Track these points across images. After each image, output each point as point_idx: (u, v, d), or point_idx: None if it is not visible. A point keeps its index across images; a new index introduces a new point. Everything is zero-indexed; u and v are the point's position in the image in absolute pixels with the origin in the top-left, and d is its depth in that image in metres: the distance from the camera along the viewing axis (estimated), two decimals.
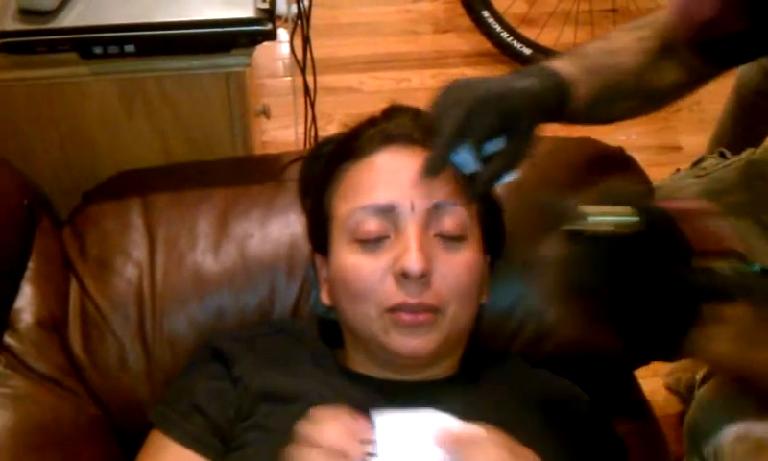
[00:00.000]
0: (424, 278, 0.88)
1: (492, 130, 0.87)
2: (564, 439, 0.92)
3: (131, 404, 1.09)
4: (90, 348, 1.09)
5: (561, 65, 1.01)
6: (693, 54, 1.09)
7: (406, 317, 0.88)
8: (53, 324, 1.09)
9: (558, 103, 0.98)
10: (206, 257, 1.13)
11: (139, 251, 1.13)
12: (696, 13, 1.08)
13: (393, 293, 0.89)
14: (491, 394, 0.96)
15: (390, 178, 0.93)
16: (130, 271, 1.12)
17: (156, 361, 1.10)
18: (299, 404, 0.92)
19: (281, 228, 1.15)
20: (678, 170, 1.46)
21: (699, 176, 1.36)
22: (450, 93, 0.90)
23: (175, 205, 1.17)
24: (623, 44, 1.10)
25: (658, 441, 1.14)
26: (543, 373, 1.04)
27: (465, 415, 0.89)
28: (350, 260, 0.93)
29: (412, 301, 0.88)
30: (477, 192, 0.90)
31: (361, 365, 0.98)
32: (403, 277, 0.88)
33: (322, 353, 1.02)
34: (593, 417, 1.00)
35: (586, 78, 1.03)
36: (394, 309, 0.89)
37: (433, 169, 0.87)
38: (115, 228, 1.15)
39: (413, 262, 0.87)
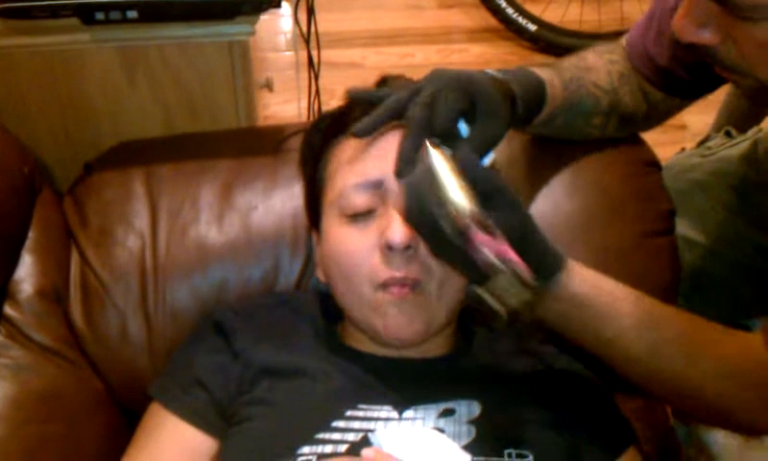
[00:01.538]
0: (409, 250, 0.87)
1: (457, 107, 0.85)
2: (566, 416, 0.92)
3: (131, 377, 1.09)
4: (91, 319, 1.08)
5: (538, 70, 1.01)
6: (654, 88, 1.10)
7: (395, 290, 0.88)
8: (54, 294, 1.08)
9: (535, 98, 0.98)
10: (210, 229, 1.12)
11: (141, 221, 1.12)
12: (648, 63, 1.10)
13: (380, 268, 0.88)
14: (490, 372, 0.96)
15: (379, 153, 0.92)
16: (132, 241, 1.11)
17: (157, 333, 1.09)
18: (300, 380, 0.92)
19: (285, 200, 1.14)
20: (683, 149, 1.45)
21: (704, 155, 1.36)
22: (424, 80, 0.89)
23: (178, 175, 1.16)
24: (596, 64, 1.11)
25: (662, 420, 1.14)
26: (547, 349, 1.03)
27: (463, 394, 0.89)
28: (340, 235, 0.92)
29: (398, 274, 0.87)
30: None
31: (359, 341, 0.97)
32: (388, 249, 0.87)
33: (323, 329, 1.01)
34: (597, 394, 0.99)
35: (563, 86, 1.04)
36: (383, 286, 0.88)
37: (407, 161, 0.85)
38: (117, 198, 1.14)
39: (396, 234, 0.86)
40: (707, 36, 0.83)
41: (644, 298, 0.88)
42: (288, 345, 0.97)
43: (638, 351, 0.86)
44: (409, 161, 0.84)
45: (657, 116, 1.16)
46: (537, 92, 0.99)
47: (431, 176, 0.78)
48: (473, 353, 0.99)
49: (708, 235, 1.30)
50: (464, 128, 0.88)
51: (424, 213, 0.77)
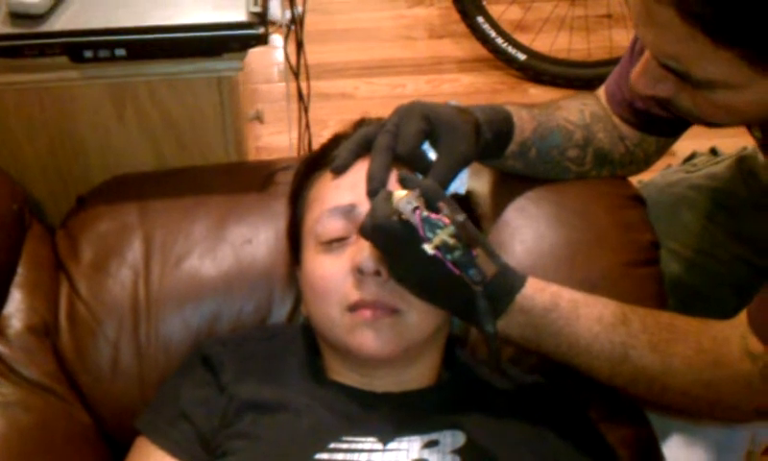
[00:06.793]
0: (381, 276, 0.88)
1: (419, 130, 0.91)
2: (551, 445, 0.92)
3: (122, 409, 1.08)
4: (82, 352, 1.09)
5: (505, 105, 1.06)
6: (633, 130, 1.13)
7: (366, 313, 0.89)
8: (43, 329, 1.08)
9: (502, 125, 1.02)
10: (203, 262, 1.13)
11: (134, 254, 1.13)
12: (627, 107, 1.13)
13: (351, 291, 0.89)
14: (474, 401, 0.96)
15: (351, 181, 0.94)
16: (125, 274, 1.11)
17: (149, 365, 1.09)
18: (283, 414, 0.92)
19: (278, 234, 1.14)
20: (669, 166, 1.46)
21: (689, 171, 1.37)
22: (391, 115, 0.95)
23: (171, 209, 1.17)
24: (567, 105, 1.15)
25: (650, 448, 1.13)
26: (533, 379, 1.04)
27: (447, 424, 0.90)
28: (315, 262, 0.94)
29: (368, 297, 0.88)
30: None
31: (341, 375, 0.97)
32: (360, 273, 0.88)
33: (309, 363, 1.01)
34: (582, 422, 1.00)
35: (531, 117, 1.08)
36: (354, 307, 0.89)
37: (375, 182, 0.89)
38: (110, 231, 1.15)
39: (366, 258, 0.87)
40: (662, 90, 0.88)
41: (610, 302, 0.92)
42: (273, 379, 0.97)
43: (610, 350, 0.89)
44: (377, 182, 0.88)
45: (636, 162, 1.18)
46: (503, 119, 1.03)
47: (388, 194, 0.83)
48: (457, 383, 0.99)
49: (692, 248, 1.31)
50: (430, 151, 0.93)
51: (377, 222, 0.82)
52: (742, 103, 0.83)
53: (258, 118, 1.71)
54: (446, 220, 0.80)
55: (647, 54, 0.87)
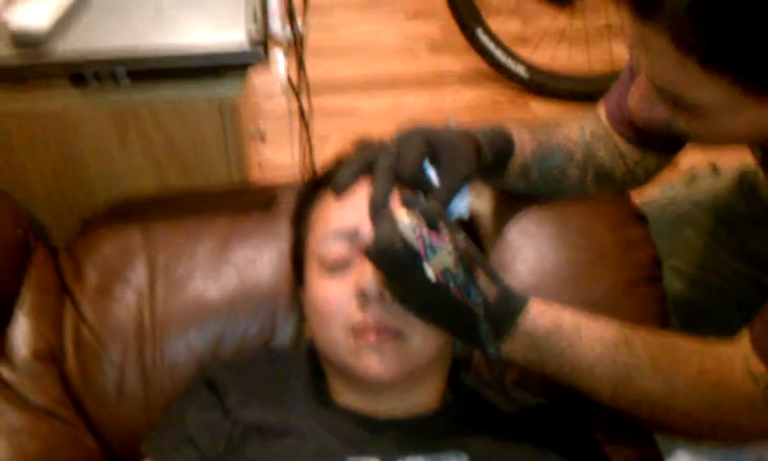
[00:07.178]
0: (384, 299, 0.88)
1: (421, 152, 0.91)
2: None
3: (128, 432, 1.09)
4: (87, 376, 1.09)
5: (505, 124, 1.07)
6: (633, 148, 1.13)
7: (370, 336, 0.89)
8: (49, 354, 1.09)
9: (502, 144, 1.03)
10: (207, 284, 1.13)
11: (139, 277, 1.13)
12: (627, 125, 1.13)
13: (354, 313, 0.90)
14: (478, 423, 0.96)
15: (354, 203, 0.94)
16: (129, 297, 1.12)
17: (154, 388, 1.10)
18: (288, 439, 0.92)
19: (282, 255, 1.14)
20: (671, 180, 1.46)
21: (691, 188, 1.37)
22: (392, 137, 0.95)
23: (175, 231, 1.17)
24: (568, 123, 1.15)
25: None
26: (537, 401, 1.04)
27: (451, 446, 0.90)
28: (320, 285, 0.94)
29: (371, 320, 0.89)
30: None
31: (346, 398, 0.97)
32: (363, 297, 0.89)
33: (313, 386, 1.01)
34: (586, 445, 1.00)
35: (532, 137, 1.08)
36: (357, 330, 0.89)
37: (378, 205, 0.89)
38: (115, 254, 1.15)
39: (370, 281, 0.88)
40: (658, 113, 0.89)
41: (613, 322, 0.91)
42: (278, 403, 0.97)
43: (612, 372, 0.89)
44: (380, 204, 0.89)
45: (637, 179, 1.18)
46: (503, 140, 1.03)
47: (391, 218, 0.84)
48: (462, 406, 1.00)
49: (694, 265, 1.31)
50: (432, 173, 0.93)
51: (380, 246, 0.82)
52: (736, 127, 0.84)
53: (260, 137, 1.72)
54: (447, 240, 0.80)
55: (643, 76, 0.87)
